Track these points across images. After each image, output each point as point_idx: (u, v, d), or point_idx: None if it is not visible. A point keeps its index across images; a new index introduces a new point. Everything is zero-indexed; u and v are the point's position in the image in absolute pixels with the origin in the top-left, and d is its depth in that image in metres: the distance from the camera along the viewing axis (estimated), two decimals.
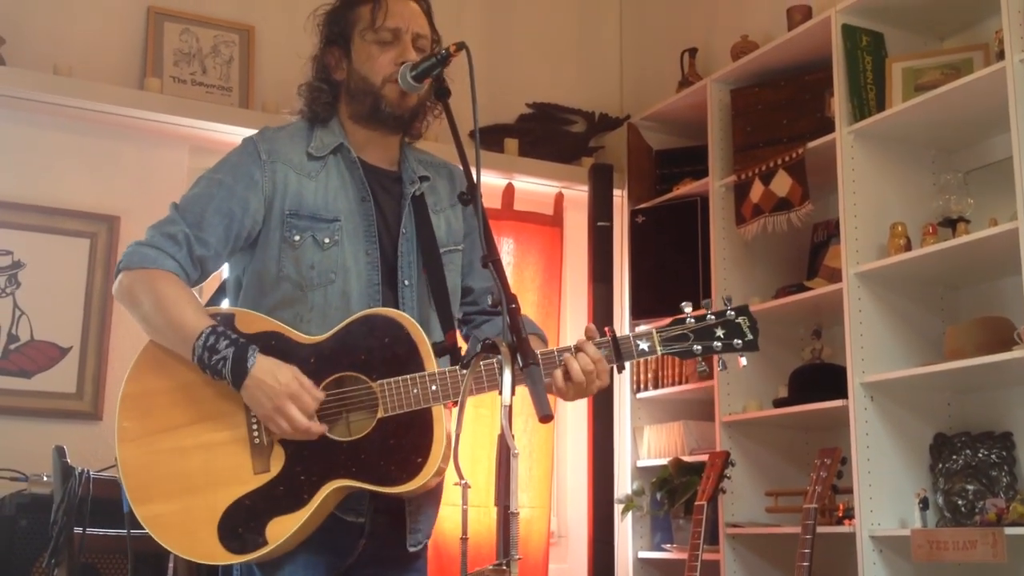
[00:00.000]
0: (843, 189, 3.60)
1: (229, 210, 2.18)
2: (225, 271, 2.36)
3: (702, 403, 4.38)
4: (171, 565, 2.97)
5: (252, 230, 2.22)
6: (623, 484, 4.58)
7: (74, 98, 3.99)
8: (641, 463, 4.60)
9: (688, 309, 2.15)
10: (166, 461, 2.09)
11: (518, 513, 1.77)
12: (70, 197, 4.05)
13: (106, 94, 4.05)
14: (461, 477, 1.92)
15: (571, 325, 4.89)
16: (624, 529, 4.54)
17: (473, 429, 4.37)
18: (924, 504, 3.33)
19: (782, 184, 3.91)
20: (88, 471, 3.14)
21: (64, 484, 3.10)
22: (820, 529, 3.20)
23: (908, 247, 3.45)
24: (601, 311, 4.54)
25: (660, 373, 4.57)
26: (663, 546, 4.39)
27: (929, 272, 3.54)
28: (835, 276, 3.71)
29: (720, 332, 2.14)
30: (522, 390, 1.86)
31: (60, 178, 4.05)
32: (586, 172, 4.81)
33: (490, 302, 1.97)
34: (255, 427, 2.09)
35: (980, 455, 3.41)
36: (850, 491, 3.44)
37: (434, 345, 2.12)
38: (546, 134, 5.00)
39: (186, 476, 2.08)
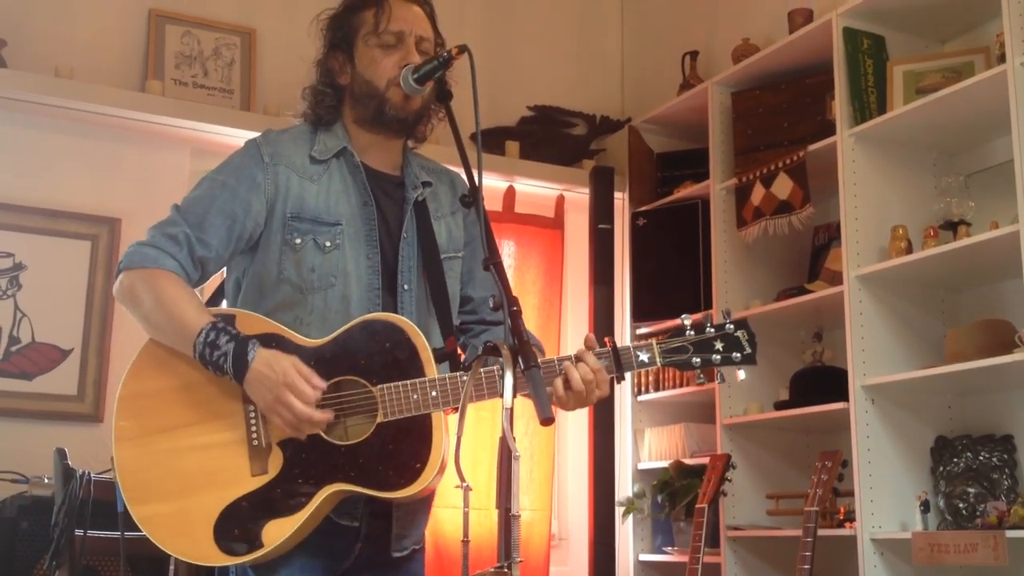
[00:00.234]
0: (844, 192, 3.60)
1: (231, 212, 2.19)
2: (223, 274, 2.35)
3: (703, 406, 4.38)
4: (172, 568, 2.97)
5: (254, 232, 2.22)
6: (624, 487, 4.58)
7: (75, 100, 4.00)
8: (642, 466, 4.60)
9: (688, 321, 2.16)
10: (163, 461, 2.09)
11: (519, 516, 1.77)
12: (71, 199, 4.05)
13: (107, 96, 4.06)
14: (463, 480, 1.92)
15: (572, 327, 4.89)
16: (625, 532, 4.54)
17: (474, 432, 4.37)
18: (925, 507, 3.33)
19: (783, 187, 3.91)
20: (89, 473, 3.14)
21: (65, 486, 3.10)
22: (821, 532, 3.20)
23: (909, 250, 3.45)
24: (602, 313, 4.54)
25: (661, 376, 4.57)
26: (664, 549, 4.39)
27: (930, 275, 3.54)
28: (836, 279, 3.71)
29: (719, 345, 2.15)
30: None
31: (61, 180, 4.06)
32: (587, 175, 4.82)
33: (492, 305, 1.98)
34: (254, 429, 2.09)
35: (981, 458, 3.40)
36: (851, 494, 3.44)
37: (434, 351, 2.12)
38: (547, 137, 5.00)
39: (183, 476, 2.08)
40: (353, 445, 2.07)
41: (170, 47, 4.33)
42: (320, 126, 2.31)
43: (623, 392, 4.70)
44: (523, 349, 1.86)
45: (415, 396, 2.06)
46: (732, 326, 2.17)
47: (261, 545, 2.03)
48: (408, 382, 2.07)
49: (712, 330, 2.16)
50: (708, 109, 4.30)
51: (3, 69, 3.93)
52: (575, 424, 4.83)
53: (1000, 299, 3.54)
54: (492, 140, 4.81)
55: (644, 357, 2.13)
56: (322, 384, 2.06)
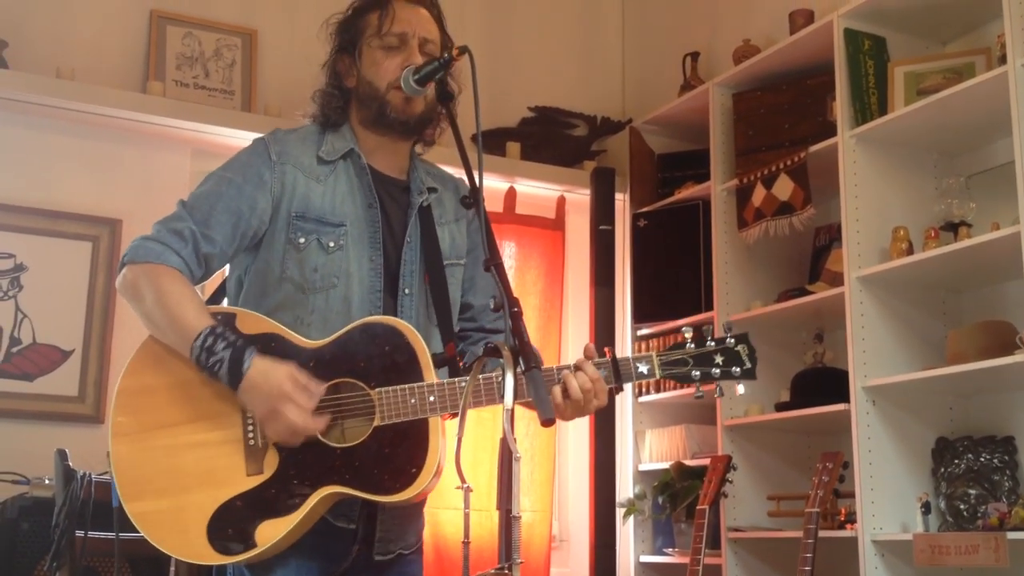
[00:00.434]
0: (845, 193, 3.60)
1: (237, 209, 2.19)
2: (226, 271, 2.35)
3: (704, 407, 4.38)
4: (172, 570, 2.97)
5: (258, 230, 2.22)
6: (625, 488, 4.58)
7: (76, 101, 4.00)
8: (643, 467, 4.60)
9: (688, 334, 2.16)
10: (159, 458, 2.09)
11: (520, 517, 1.77)
12: (72, 200, 4.05)
13: (108, 97, 4.06)
14: (463, 481, 1.92)
15: (573, 329, 4.89)
16: (626, 533, 4.54)
17: (474, 433, 4.37)
18: (926, 508, 3.32)
19: (784, 188, 3.91)
20: (90, 474, 3.14)
21: (66, 487, 3.10)
22: (822, 533, 3.20)
23: (910, 251, 3.45)
24: (603, 314, 4.54)
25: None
26: (665, 550, 4.39)
27: (931, 276, 3.54)
28: (837, 280, 3.71)
29: (719, 359, 2.15)
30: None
31: (62, 181, 4.06)
32: (588, 176, 4.82)
33: (492, 306, 1.97)
34: (251, 428, 2.09)
35: (982, 459, 3.40)
36: (852, 495, 3.44)
37: (433, 356, 2.12)
38: (548, 138, 5.00)
39: (178, 474, 2.07)
40: (349, 448, 2.07)
41: (171, 48, 4.33)
42: (328, 127, 2.32)
43: (624, 393, 4.70)
44: (524, 350, 1.86)
45: (413, 400, 2.06)
46: (733, 340, 2.16)
47: (255, 545, 2.03)
48: (406, 386, 2.07)
49: (713, 343, 2.16)
50: (709, 110, 4.30)
51: (4, 70, 3.93)
52: (576, 425, 4.82)
53: (1001, 300, 3.54)
54: (493, 141, 4.81)
55: (643, 369, 2.13)
56: (320, 389, 2.06)
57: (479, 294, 2.40)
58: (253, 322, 2.14)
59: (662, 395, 4.53)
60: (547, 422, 1.79)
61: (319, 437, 2.07)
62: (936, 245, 3.38)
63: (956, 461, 3.45)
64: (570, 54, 5.24)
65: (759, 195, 4.00)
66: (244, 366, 2.03)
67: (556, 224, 4.88)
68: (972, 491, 3.37)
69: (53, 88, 3.97)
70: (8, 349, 3.90)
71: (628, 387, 4.65)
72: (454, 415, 2.05)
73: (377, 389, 2.07)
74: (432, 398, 2.06)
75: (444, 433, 2.08)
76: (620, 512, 4.45)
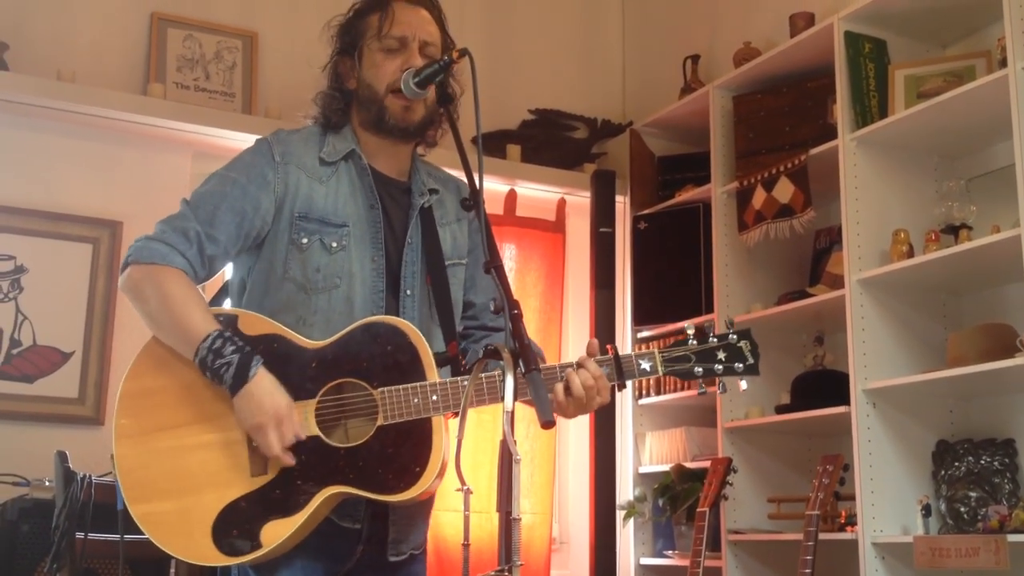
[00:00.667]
0: (845, 196, 3.60)
1: (241, 209, 2.19)
2: (228, 271, 2.36)
3: (704, 409, 4.38)
4: (172, 572, 2.97)
5: (261, 230, 2.22)
6: (625, 490, 4.58)
7: (77, 103, 4.00)
8: (643, 469, 4.60)
9: (691, 330, 2.15)
10: (163, 460, 2.09)
11: (520, 519, 1.77)
12: (73, 202, 4.05)
13: (109, 99, 4.06)
14: (463, 483, 1.92)
15: (573, 331, 4.89)
16: (626, 535, 4.54)
17: (475, 435, 4.37)
18: (926, 511, 3.32)
19: (784, 191, 3.91)
20: (90, 476, 3.14)
21: (66, 489, 3.10)
22: (822, 536, 3.20)
23: (910, 254, 3.45)
24: (603, 317, 4.54)
25: (662, 379, 4.56)
26: (665, 553, 4.39)
27: (931, 279, 3.54)
28: (837, 283, 3.71)
29: (722, 355, 2.15)
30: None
31: (63, 183, 4.06)
32: (588, 178, 4.82)
33: (493, 308, 1.98)
34: None
35: (983, 462, 3.40)
36: (852, 498, 3.44)
37: (436, 355, 2.12)
38: (548, 140, 5.00)
39: (183, 476, 2.08)
40: (353, 447, 2.07)
41: (172, 50, 4.33)
42: (330, 128, 2.32)
43: (624, 396, 4.70)
44: (524, 352, 1.86)
45: (416, 400, 2.06)
46: (735, 336, 2.17)
47: (260, 545, 2.03)
48: (409, 385, 2.07)
49: (715, 340, 2.16)
50: (709, 112, 4.30)
51: (5, 72, 3.93)
52: (576, 428, 4.82)
53: (1001, 303, 3.54)
54: (493, 143, 4.81)
55: (646, 365, 2.13)
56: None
57: (480, 293, 2.41)
58: (255, 323, 2.15)
59: (662, 397, 4.53)
60: (547, 424, 1.79)
61: (322, 437, 2.07)
62: (936, 248, 3.38)
63: (956, 464, 3.45)
64: (570, 56, 5.25)
65: (759, 198, 4.01)
66: (251, 372, 2.04)
67: (556, 226, 4.89)
68: (972, 494, 3.37)
69: (54, 90, 3.97)
70: (8, 351, 3.89)
71: (628, 389, 4.67)
72: (457, 414, 2.05)
73: (380, 389, 2.08)
74: (435, 397, 2.06)
75: (447, 432, 2.08)
76: (620, 514, 4.45)
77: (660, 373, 2.13)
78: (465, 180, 2.14)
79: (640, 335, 4.68)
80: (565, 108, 5.10)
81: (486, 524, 4.28)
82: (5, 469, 3.52)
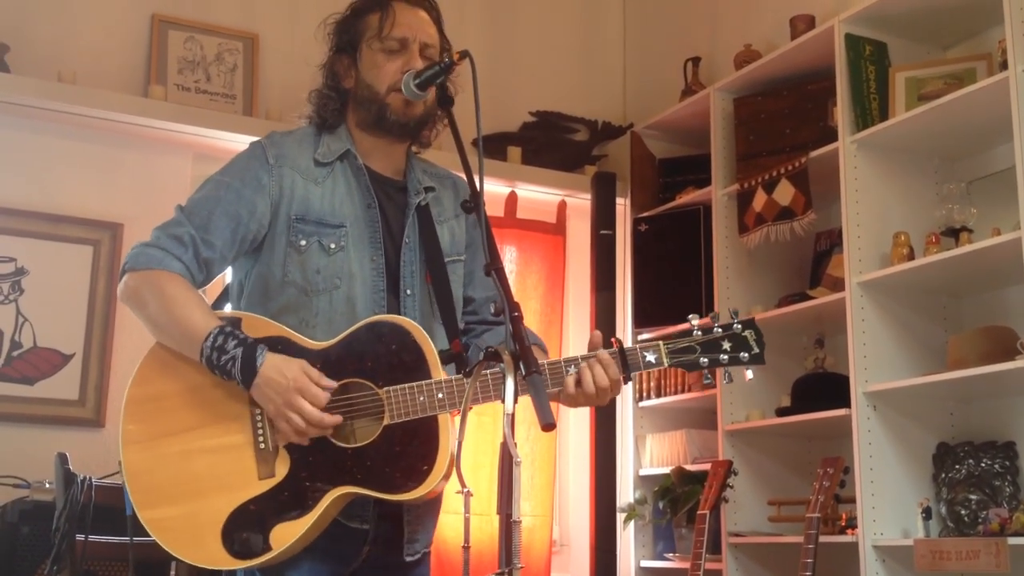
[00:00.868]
0: (846, 198, 3.60)
1: (236, 213, 2.19)
2: (228, 276, 2.36)
3: (704, 412, 4.38)
4: (172, 574, 2.97)
5: (258, 234, 2.22)
6: (625, 493, 4.58)
7: (78, 105, 4.00)
8: (643, 472, 4.60)
9: (695, 321, 2.15)
10: (171, 465, 2.09)
11: (520, 521, 1.77)
12: (73, 204, 4.05)
13: (110, 101, 4.06)
14: (463, 485, 1.91)
15: (574, 333, 4.89)
16: (626, 538, 4.53)
17: (475, 437, 4.37)
18: (927, 514, 3.32)
19: (785, 193, 3.91)
20: (90, 478, 3.15)
21: (66, 491, 3.11)
22: (823, 538, 3.20)
23: (911, 256, 3.45)
24: (604, 319, 4.54)
25: (663, 382, 4.56)
26: (665, 555, 4.38)
27: (932, 281, 3.54)
28: (838, 285, 3.71)
29: (727, 345, 2.15)
30: (524, 398, 1.86)
31: (63, 185, 4.06)
32: (589, 180, 4.82)
33: (493, 310, 1.98)
34: (260, 432, 2.09)
35: (983, 465, 3.40)
36: (853, 500, 3.44)
37: (440, 353, 2.13)
38: (549, 142, 5.00)
39: (191, 480, 2.08)
40: (360, 447, 2.07)
41: (173, 52, 4.33)
42: (324, 129, 2.32)
43: (624, 398, 4.70)
44: (524, 355, 1.86)
45: (421, 398, 2.06)
46: (739, 326, 2.17)
47: (269, 548, 2.03)
48: (414, 384, 2.07)
49: (719, 330, 2.16)
50: (710, 115, 4.31)
51: (6, 74, 3.93)
52: (576, 430, 4.82)
53: (1002, 306, 3.54)
54: (494, 145, 4.81)
55: (651, 358, 2.12)
56: (332, 384, 2.06)
57: (479, 288, 2.40)
58: (259, 325, 2.15)
59: (663, 400, 4.53)
60: (547, 427, 1.79)
61: (329, 438, 2.07)
62: (937, 250, 3.38)
63: (957, 466, 3.45)
64: (571, 58, 5.25)
65: (760, 200, 4.01)
66: (258, 362, 2.04)
67: (557, 229, 4.89)
68: (973, 496, 3.37)
69: (55, 92, 3.97)
70: (9, 353, 3.89)
71: (629, 391, 4.68)
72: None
73: (385, 388, 2.08)
74: (440, 395, 2.06)
75: (455, 429, 2.08)
76: (621, 517, 4.45)
77: (666, 365, 2.12)
78: (463, 177, 2.14)
79: (641, 337, 4.68)
80: (566, 110, 5.10)
81: (486, 526, 4.28)
82: (5, 471, 3.52)
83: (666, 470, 4.37)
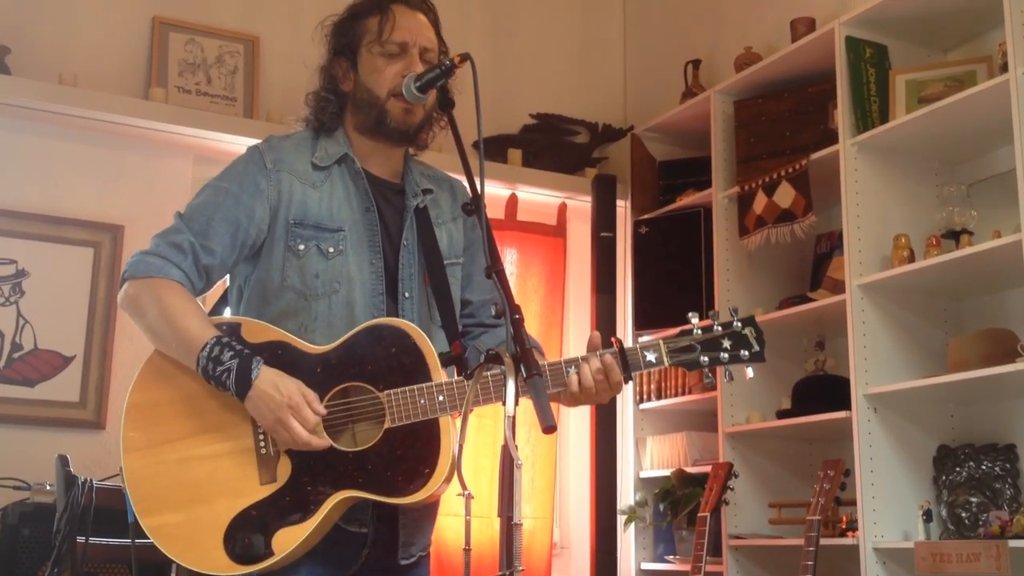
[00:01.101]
0: (846, 201, 3.60)
1: (235, 218, 2.19)
2: (226, 282, 2.35)
3: (705, 414, 4.38)
4: None
5: (257, 239, 2.22)
6: (626, 495, 4.58)
7: (79, 108, 4.00)
8: (644, 474, 4.59)
9: (695, 320, 2.15)
10: (172, 471, 2.09)
11: (521, 524, 1.77)
12: (74, 206, 4.05)
13: (111, 104, 4.06)
14: (464, 487, 1.92)
15: (574, 336, 4.89)
16: (627, 540, 4.53)
17: (475, 439, 4.37)
18: (928, 516, 3.32)
19: (785, 195, 3.91)
20: (91, 480, 3.14)
21: (67, 493, 3.10)
22: (823, 541, 3.20)
23: (911, 259, 3.45)
24: (604, 322, 4.54)
25: (663, 384, 4.56)
26: (666, 557, 4.38)
27: (932, 284, 3.54)
28: (838, 287, 3.71)
29: (727, 343, 2.14)
30: (525, 400, 1.86)
31: (64, 187, 4.06)
32: (589, 183, 4.82)
33: (494, 312, 1.97)
34: (262, 437, 2.09)
35: (984, 467, 3.40)
36: (853, 503, 3.44)
37: (440, 355, 2.12)
38: (549, 145, 5.01)
39: (192, 486, 2.08)
40: (361, 451, 2.07)
41: (174, 54, 4.34)
42: (322, 132, 2.32)
43: (625, 400, 4.70)
44: (525, 357, 1.86)
45: (422, 401, 2.06)
46: (740, 324, 2.16)
47: (271, 553, 2.03)
48: (415, 387, 2.07)
49: (719, 328, 2.15)
50: (710, 117, 4.31)
51: (7, 76, 3.94)
52: (577, 432, 4.82)
53: (1002, 308, 3.54)
54: (494, 148, 4.81)
55: (651, 357, 2.12)
56: (323, 411, 2.06)
57: (477, 290, 2.40)
58: (259, 330, 2.15)
59: (663, 402, 4.53)
60: (548, 429, 1.79)
61: (331, 442, 2.07)
62: (937, 253, 3.38)
63: (957, 469, 3.45)
64: (571, 61, 5.25)
65: (760, 202, 4.01)
66: (253, 375, 2.04)
67: (557, 231, 4.89)
68: (973, 499, 3.37)
69: (56, 94, 3.97)
70: (9, 355, 3.90)
71: (630, 394, 4.68)
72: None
73: (386, 391, 2.08)
74: (441, 398, 2.06)
75: (456, 432, 2.08)
76: (621, 519, 4.45)
77: (666, 364, 2.12)
78: (461, 179, 2.14)
79: (641, 340, 4.65)
80: (566, 112, 5.10)
81: (487, 529, 4.28)
82: (6, 473, 3.51)
83: (666, 472, 4.37)
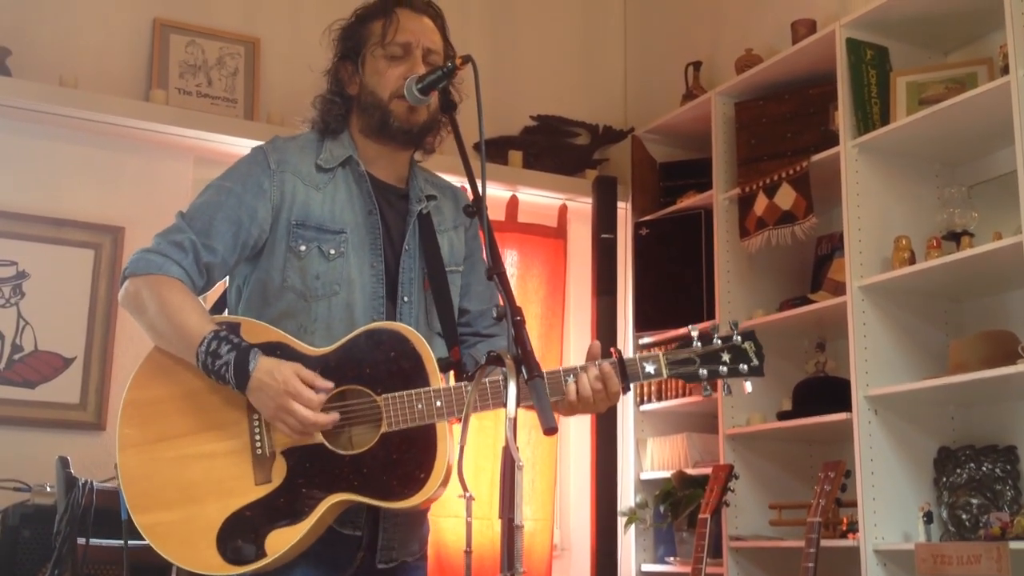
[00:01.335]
0: (847, 202, 3.60)
1: (237, 218, 2.19)
2: (225, 282, 2.35)
3: (705, 416, 4.38)
4: None
5: (259, 239, 2.22)
6: (626, 496, 4.58)
7: (80, 109, 4.01)
8: (644, 475, 4.59)
9: (695, 332, 2.15)
10: (167, 469, 2.09)
11: (522, 526, 1.77)
12: (75, 208, 4.05)
13: (111, 105, 4.06)
14: (465, 489, 1.91)
15: (575, 337, 4.89)
16: (627, 542, 4.53)
17: (476, 441, 4.37)
18: (928, 518, 3.32)
19: (786, 197, 3.91)
20: (91, 482, 3.14)
21: (67, 495, 3.10)
22: (824, 543, 3.20)
23: (912, 260, 3.45)
24: (605, 323, 4.54)
25: (664, 385, 4.56)
26: (666, 559, 4.38)
27: (933, 285, 3.54)
28: (839, 289, 3.71)
29: (726, 357, 2.14)
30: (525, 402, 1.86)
31: (65, 189, 4.06)
32: (590, 184, 4.82)
33: (495, 314, 1.97)
34: (257, 437, 2.09)
35: (984, 469, 3.40)
36: (854, 504, 3.44)
37: (439, 361, 2.12)
38: (550, 146, 5.01)
39: (187, 485, 2.08)
40: (357, 454, 2.07)
41: (174, 56, 4.34)
42: (327, 134, 2.32)
43: (626, 402, 4.70)
44: (527, 359, 1.86)
45: (419, 406, 2.06)
46: (739, 337, 2.16)
47: (264, 554, 2.03)
48: (412, 391, 2.07)
49: (719, 342, 2.15)
50: (711, 119, 4.31)
51: (8, 78, 3.94)
52: (577, 434, 4.82)
53: (1003, 310, 3.54)
54: (495, 150, 4.81)
55: (650, 368, 2.12)
56: (327, 384, 2.05)
57: (475, 300, 2.41)
58: (258, 331, 2.15)
59: (664, 403, 4.53)
60: (549, 431, 1.79)
61: (326, 445, 2.07)
62: (938, 255, 3.38)
63: (958, 471, 3.45)
64: (572, 63, 5.25)
65: (761, 204, 4.01)
66: (251, 366, 2.04)
67: (558, 233, 4.89)
68: (974, 501, 3.37)
69: (56, 96, 3.98)
70: (10, 356, 3.90)
71: (630, 395, 4.68)
72: (461, 420, 2.05)
73: (383, 395, 2.08)
74: (439, 403, 2.06)
75: (452, 438, 2.08)
76: (621, 521, 4.45)
77: (664, 376, 2.12)
78: (464, 186, 2.14)
79: (641, 341, 4.68)
80: (567, 114, 5.10)
81: (487, 531, 4.28)
82: (6, 475, 3.51)
83: (667, 474, 4.37)
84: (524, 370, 1.85)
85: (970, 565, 3.04)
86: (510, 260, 4.73)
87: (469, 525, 1.93)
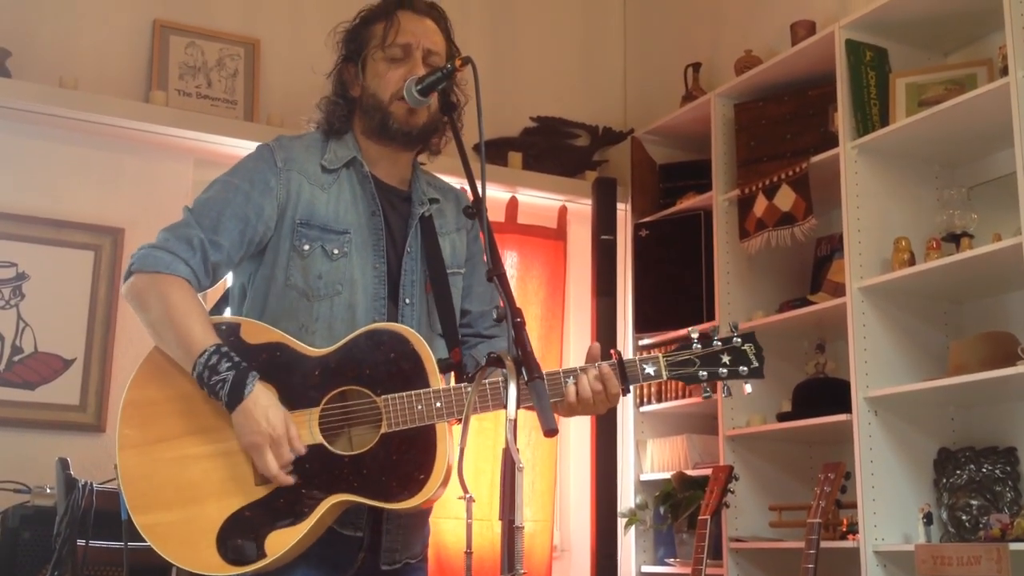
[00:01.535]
0: (847, 204, 3.60)
1: (244, 215, 2.19)
2: (229, 279, 2.36)
3: (705, 417, 4.38)
4: None
5: (264, 237, 2.22)
6: (626, 498, 4.58)
7: (79, 111, 4.01)
8: (644, 477, 4.59)
9: (695, 334, 2.15)
10: (167, 470, 2.08)
11: (522, 527, 1.77)
12: (75, 209, 4.05)
13: (111, 107, 4.06)
14: (465, 491, 1.92)
15: (574, 338, 4.89)
16: (627, 543, 4.53)
17: (476, 443, 4.37)
18: (928, 519, 3.32)
19: (786, 198, 3.92)
20: (91, 483, 3.14)
21: (67, 496, 3.10)
22: (824, 544, 3.19)
23: (912, 262, 3.46)
24: (604, 324, 4.54)
25: (664, 387, 4.56)
26: (666, 560, 4.38)
27: (933, 287, 3.54)
28: (839, 290, 3.71)
29: (726, 359, 2.15)
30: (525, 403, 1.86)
31: (65, 190, 4.06)
32: (590, 186, 4.82)
33: (496, 315, 1.97)
34: None
35: (984, 470, 3.40)
36: (854, 506, 3.44)
37: (439, 362, 2.12)
38: (550, 148, 5.01)
39: (187, 486, 2.07)
40: (357, 455, 2.07)
41: (174, 57, 4.34)
42: (332, 135, 2.33)
43: (626, 403, 4.70)
44: (527, 360, 1.86)
45: (419, 407, 2.07)
46: (739, 339, 2.16)
47: (264, 555, 2.03)
48: (412, 392, 2.07)
49: (719, 343, 2.16)
50: (711, 120, 4.31)
51: (8, 79, 3.94)
52: (577, 435, 4.82)
53: (1003, 311, 3.55)
54: (495, 151, 4.81)
55: (650, 370, 2.12)
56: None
57: (476, 301, 2.41)
58: (258, 331, 2.15)
59: (664, 405, 4.53)
60: (549, 432, 1.79)
61: (326, 446, 2.07)
62: (938, 256, 3.38)
63: (958, 472, 3.45)
64: (572, 64, 5.25)
65: (761, 205, 4.01)
66: (246, 390, 2.04)
67: (558, 234, 4.89)
68: (974, 502, 3.37)
69: (56, 97, 3.98)
70: (10, 358, 3.90)
71: (630, 396, 4.68)
72: (460, 421, 2.05)
73: (383, 396, 2.08)
74: (439, 404, 2.06)
75: (452, 439, 2.08)
76: (621, 522, 4.45)
77: (664, 377, 2.13)
78: (465, 190, 2.14)
79: (641, 342, 4.68)
80: (567, 116, 5.10)
81: (487, 532, 4.28)
82: (6, 476, 3.52)
83: (667, 475, 4.37)
84: (524, 371, 1.85)
85: (970, 566, 3.04)
86: (510, 261, 4.73)
87: (469, 526, 1.93)
